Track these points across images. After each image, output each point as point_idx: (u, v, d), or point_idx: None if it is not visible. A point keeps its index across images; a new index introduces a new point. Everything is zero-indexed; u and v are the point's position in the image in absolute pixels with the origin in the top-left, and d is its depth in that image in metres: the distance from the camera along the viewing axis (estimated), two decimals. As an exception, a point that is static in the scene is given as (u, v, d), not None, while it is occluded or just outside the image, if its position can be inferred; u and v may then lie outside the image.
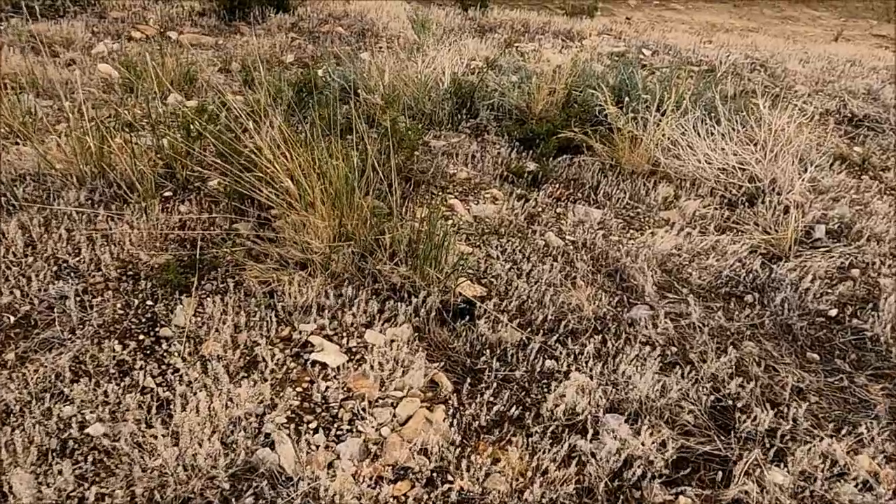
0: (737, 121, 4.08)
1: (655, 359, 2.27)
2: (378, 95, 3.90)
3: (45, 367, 1.95)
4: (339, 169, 2.50)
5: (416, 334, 2.31)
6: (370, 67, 4.46)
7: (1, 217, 2.59)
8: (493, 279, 2.67)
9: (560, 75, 4.55)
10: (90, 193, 2.76)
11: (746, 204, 3.55)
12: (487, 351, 2.26)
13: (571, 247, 3.02)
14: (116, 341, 2.09)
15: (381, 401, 2.01)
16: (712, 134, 3.97)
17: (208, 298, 2.32)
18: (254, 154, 2.76)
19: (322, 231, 2.40)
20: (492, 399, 2.04)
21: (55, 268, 2.37)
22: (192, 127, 2.89)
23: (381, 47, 5.67)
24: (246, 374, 2.02)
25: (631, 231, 3.25)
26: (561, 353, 2.29)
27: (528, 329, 2.40)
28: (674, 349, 2.43)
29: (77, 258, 2.43)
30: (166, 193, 2.89)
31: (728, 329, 2.56)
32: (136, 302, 2.27)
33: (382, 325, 2.30)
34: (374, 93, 3.95)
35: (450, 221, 3.10)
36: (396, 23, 6.26)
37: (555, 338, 2.36)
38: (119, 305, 2.25)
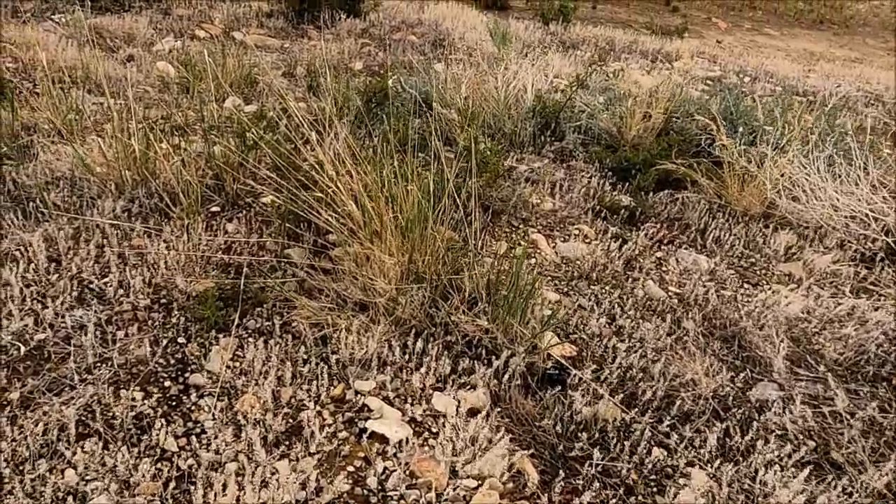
0: (868, 161, 3.58)
1: (791, 457, 1.83)
2: (455, 110, 3.56)
3: (51, 416, 1.65)
4: (413, 194, 2.15)
5: (495, 403, 1.92)
6: (446, 79, 4.13)
7: (26, 226, 2.33)
8: (585, 336, 2.27)
9: (656, 99, 4.13)
10: (128, 204, 2.49)
11: (886, 261, 3.05)
12: (583, 433, 1.85)
13: (677, 300, 2.59)
14: (137, 388, 1.77)
15: (451, 492, 1.62)
16: (839, 176, 3.48)
17: (250, 339, 2.00)
18: (314, 170, 2.45)
19: (389, 268, 2.05)
20: (592, 503, 1.63)
21: (78, 290, 2.09)
22: (247, 135, 2.60)
23: (456, 58, 5.37)
24: (287, 445, 1.67)
25: (746, 285, 2.80)
26: (675, 442, 1.87)
27: (632, 406, 1.99)
28: (812, 444, 1.98)
29: (104, 279, 2.14)
30: (213, 208, 2.60)
31: (883, 425, 2.08)
32: (166, 338, 1.96)
33: (455, 389, 1.92)
34: (450, 107, 3.62)
35: (533, 260, 2.72)
36: (473, 34, 5.95)
37: (666, 421, 1.94)
38: (146, 342, 1.94)
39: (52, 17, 5.24)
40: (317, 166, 2.45)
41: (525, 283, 2.13)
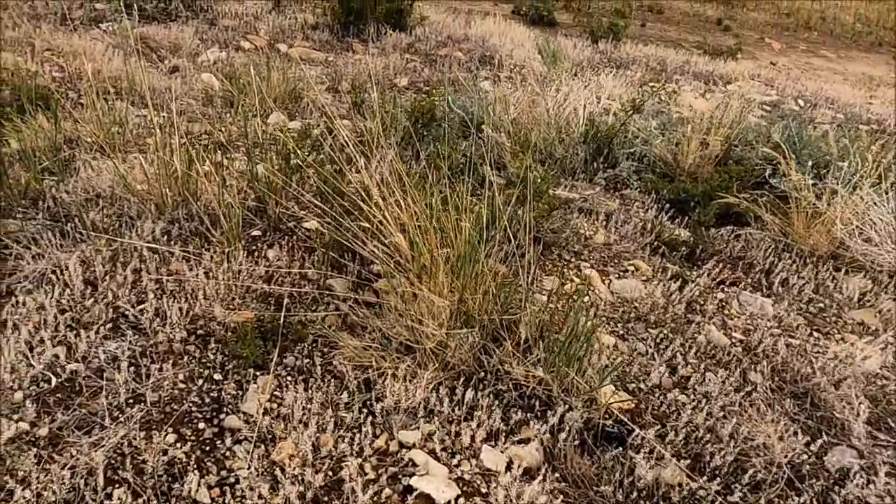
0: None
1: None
2: (504, 134, 3.45)
3: (78, 458, 1.56)
4: (465, 230, 2.04)
5: (549, 460, 1.79)
6: (494, 100, 4.03)
7: (64, 246, 2.28)
8: (645, 388, 2.12)
9: (714, 125, 3.96)
10: (168, 225, 2.42)
11: (971, 313, 2.83)
12: (645, 501, 1.71)
13: (741, 348, 2.43)
14: (170, 429, 1.68)
15: (501, 565, 1.49)
16: (915, 215, 3.26)
17: (289, 378, 1.90)
18: (360, 195, 2.35)
19: (437, 309, 1.93)
20: (659, 587, 1.48)
21: (114, 317, 2.02)
22: (291, 158, 2.52)
23: (504, 76, 5.27)
24: (326, 503, 1.56)
25: (816, 334, 2.62)
26: (748, 516, 1.71)
27: (698, 471, 1.83)
28: (897, 522, 1.80)
29: (141, 306, 2.07)
30: (254, 232, 2.52)
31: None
32: (202, 375, 1.87)
33: (506, 443, 1.79)
34: (499, 130, 3.51)
35: (587, 298, 2.58)
36: (521, 51, 5.85)
37: (736, 491, 1.78)
38: (181, 377, 1.85)
39: (100, 25, 5.29)
40: (363, 192, 2.35)
41: (582, 328, 2.00)
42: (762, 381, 2.24)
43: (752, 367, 2.32)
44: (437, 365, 1.91)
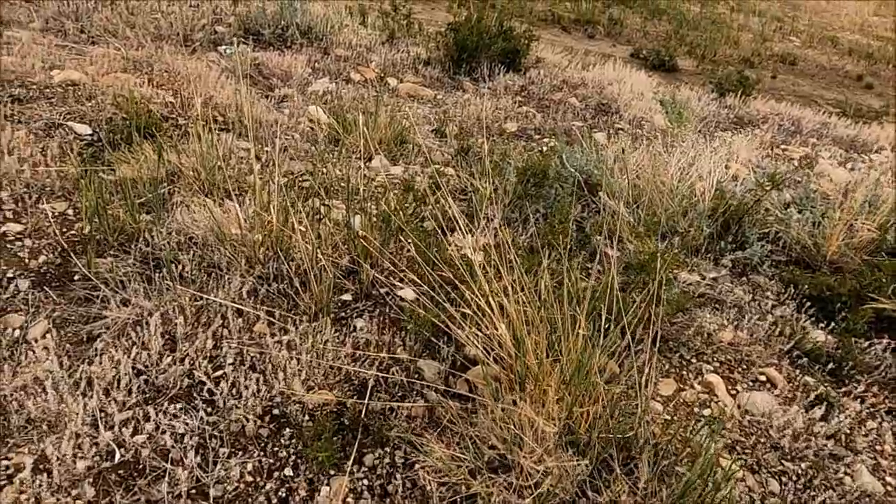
0: None
1: None
2: (622, 202, 3.19)
3: (128, 562, 1.43)
4: (579, 333, 1.80)
5: None
6: (613, 159, 3.77)
7: (150, 294, 2.20)
8: (779, 543, 1.79)
9: (864, 205, 3.54)
10: (257, 282, 2.31)
11: None
12: None
13: (898, 500, 2.05)
14: (230, 535, 1.53)
15: None
16: None
17: (365, 482, 1.71)
18: (461, 267, 2.17)
19: (541, 430, 1.70)
20: None
21: (188, 386, 1.90)
22: (392, 219, 2.37)
23: (620, 128, 5.00)
24: None
25: None
26: None
27: None
28: None
29: (216, 374, 1.95)
30: (345, 297, 2.37)
31: None
32: (272, 468, 1.71)
33: None
34: (616, 197, 3.25)
35: (708, 410, 2.27)
36: (640, 101, 5.57)
37: None
38: (249, 469, 1.70)
39: (219, 47, 5.43)
40: (465, 265, 2.17)
41: (707, 459, 1.72)
42: (928, 552, 1.87)
43: (915, 529, 1.94)
44: (536, 492, 1.67)
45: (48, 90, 3.68)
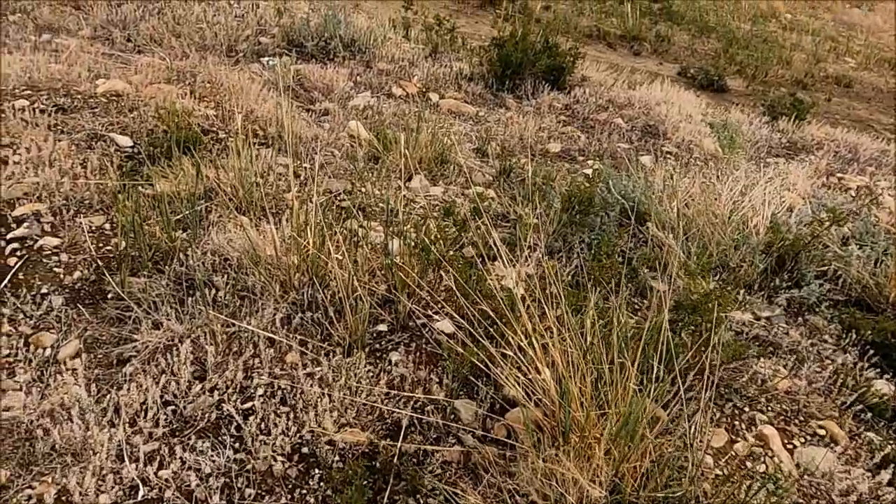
0: None
1: None
2: (671, 234, 3.06)
3: None
4: (628, 390, 1.69)
5: None
6: (658, 184, 3.65)
7: (182, 318, 2.16)
8: None
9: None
10: (291, 309, 2.25)
11: None
12: None
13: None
14: (252, 588, 1.46)
15: None
16: None
17: (395, 534, 1.63)
18: (502, 302, 2.07)
19: (585, 489, 1.60)
20: None
21: (217, 419, 1.84)
22: (430, 249, 2.30)
23: (668, 152, 4.86)
24: None
25: None
26: None
27: None
28: None
29: (246, 406, 1.89)
30: (380, 327, 2.30)
31: None
32: (299, 515, 1.64)
33: None
34: (665, 228, 3.13)
35: (761, 466, 2.13)
36: (689, 124, 5.41)
37: None
38: (274, 513, 1.63)
39: (262, 58, 5.45)
40: (505, 301, 2.07)
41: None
42: None
43: None
44: (577, 557, 1.57)
45: (92, 100, 3.70)
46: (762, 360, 2.60)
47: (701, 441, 1.93)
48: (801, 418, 2.38)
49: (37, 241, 2.55)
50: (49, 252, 2.53)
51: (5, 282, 2.34)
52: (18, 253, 2.49)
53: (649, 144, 5.01)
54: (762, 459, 2.17)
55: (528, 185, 3.36)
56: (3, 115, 3.26)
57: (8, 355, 2.06)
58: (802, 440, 2.29)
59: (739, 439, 2.23)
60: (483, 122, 5.00)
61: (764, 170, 4.45)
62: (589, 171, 4.30)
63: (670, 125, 5.34)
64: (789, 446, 2.25)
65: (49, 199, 2.78)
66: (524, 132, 4.76)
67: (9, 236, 2.55)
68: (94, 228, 2.69)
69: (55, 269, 2.46)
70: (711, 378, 1.78)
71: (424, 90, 5.44)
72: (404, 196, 3.35)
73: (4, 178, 2.78)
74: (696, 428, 1.92)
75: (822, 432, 2.33)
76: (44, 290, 2.34)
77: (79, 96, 3.71)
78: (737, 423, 2.30)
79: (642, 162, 4.59)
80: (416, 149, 3.81)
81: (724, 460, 2.11)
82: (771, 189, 3.83)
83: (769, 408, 2.40)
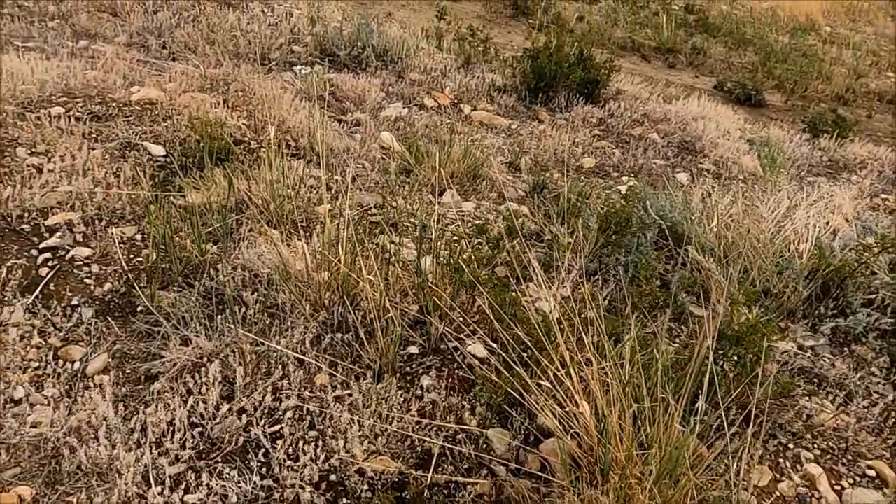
0: None
1: None
2: (712, 258, 2.97)
3: None
4: (672, 427, 1.62)
5: None
6: (696, 204, 3.56)
7: (210, 336, 2.13)
8: None
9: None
10: (321, 329, 2.22)
11: None
12: None
13: None
14: None
15: None
16: None
17: (425, 572, 1.57)
18: (537, 323, 2.01)
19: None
20: None
21: (244, 443, 1.81)
22: (463, 271, 2.24)
23: (705, 169, 4.75)
24: None
25: None
26: None
27: None
28: None
29: (273, 430, 1.85)
30: (411, 349, 2.25)
31: None
32: (326, 548, 1.59)
33: None
34: (704, 252, 3.04)
35: (808, 508, 2.04)
36: (727, 140, 5.30)
37: None
38: (301, 545, 1.59)
39: (294, 67, 5.46)
40: (540, 326, 2.01)
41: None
42: None
43: None
44: None
45: (126, 108, 3.73)
46: (807, 392, 2.50)
47: (746, 481, 1.84)
48: (850, 457, 2.28)
49: (69, 251, 2.56)
50: (80, 263, 2.52)
51: (37, 292, 2.34)
52: (50, 263, 2.49)
53: (686, 161, 4.92)
54: (808, 501, 2.07)
55: (563, 203, 3.29)
56: (39, 122, 3.29)
57: (37, 368, 2.05)
58: (851, 481, 2.18)
59: (784, 478, 2.14)
60: (515, 134, 4.95)
61: (806, 189, 4.33)
62: (623, 188, 4.23)
63: (708, 141, 5.24)
64: (837, 487, 2.15)
65: (82, 209, 2.78)
66: (557, 146, 4.69)
67: (41, 246, 2.56)
68: (125, 239, 2.69)
69: (86, 280, 2.46)
70: (761, 419, 1.71)
71: (456, 101, 5.41)
72: (436, 211, 3.31)
73: (38, 187, 2.80)
74: (740, 466, 1.85)
75: (872, 473, 2.23)
76: (74, 302, 2.34)
77: (114, 104, 3.73)
78: (781, 460, 2.21)
79: (678, 179, 4.50)
80: (449, 163, 3.77)
81: (769, 501, 2.02)
82: (815, 212, 3.71)
83: (815, 445, 2.30)
